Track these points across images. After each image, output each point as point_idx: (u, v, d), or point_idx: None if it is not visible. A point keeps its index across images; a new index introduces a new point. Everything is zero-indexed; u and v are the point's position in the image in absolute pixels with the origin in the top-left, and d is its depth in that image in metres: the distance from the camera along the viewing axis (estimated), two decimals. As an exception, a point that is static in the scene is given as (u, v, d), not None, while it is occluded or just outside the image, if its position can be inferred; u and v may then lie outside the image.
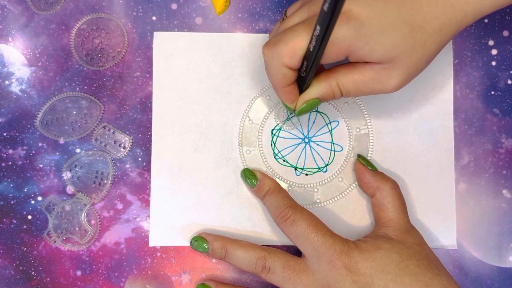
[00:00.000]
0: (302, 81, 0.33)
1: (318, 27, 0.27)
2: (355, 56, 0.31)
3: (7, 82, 0.40)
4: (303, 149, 0.40)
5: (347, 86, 0.33)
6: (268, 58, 0.32)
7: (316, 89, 0.33)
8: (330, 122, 0.40)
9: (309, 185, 0.39)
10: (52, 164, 0.39)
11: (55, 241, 0.39)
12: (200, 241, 0.37)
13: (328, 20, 0.26)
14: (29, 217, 0.39)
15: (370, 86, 0.32)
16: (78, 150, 0.39)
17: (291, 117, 0.40)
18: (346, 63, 0.33)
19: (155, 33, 0.40)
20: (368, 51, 0.30)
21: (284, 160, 0.40)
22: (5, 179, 0.39)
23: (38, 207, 0.39)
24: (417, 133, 0.40)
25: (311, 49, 0.29)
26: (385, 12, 0.30)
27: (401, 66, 0.31)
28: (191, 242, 0.37)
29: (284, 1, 0.40)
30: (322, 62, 0.31)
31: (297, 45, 0.30)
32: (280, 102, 0.37)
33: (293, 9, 0.35)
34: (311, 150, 0.40)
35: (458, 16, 0.31)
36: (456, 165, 0.40)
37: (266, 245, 0.36)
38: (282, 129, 0.40)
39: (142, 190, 0.39)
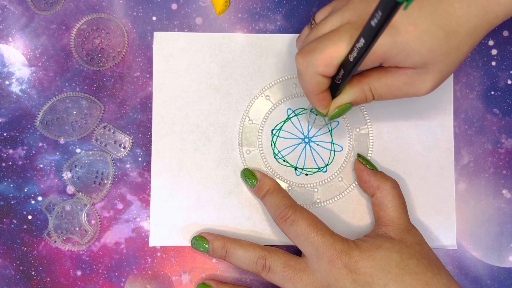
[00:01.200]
0: (335, 87, 0.33)
1: (362, 40, 0.27)
2: (389, 62, 0.31)
3: (7, 82, 0.40)
4: (303, 149, 0.40)
5: (379, 90, 0.33)
6: (302, 67, 0.31)
7: (348, 94, 0.33)
8: (330, 122, 0.40)
9: (309, 185, 0.39)
10: (53, 164, 0.39)
11: (55, 241, 0.39)
12: (200, 240, 0.37)
13: (374, 35, 0.26)
14: (30, 217, 0.39)
15: (403, 90, 0.32)
16: (78, 150, 0.39)
17: (314, 119, 0.39)
18: (378, 67, 0.33)
19: (155, 33, 0.40)
20: (403, 57, 0.30)
21: (284, 160, 0.40)
22: (5, 179, 0.39)
23: (38, 207, 0.39)
24: (417, 133, 0.40)
25: (351, 60, 0.29)
26: (419, 18, 0.30)
27: (435, 71, 0.31)
28: (191, 241, 0.37)
29: (284, 1, 0.40)
30: (358, 69, 0.31)
31: (333, 54, 0.30)
32: (310, 106, 0.37)
33: (323, 15, 0.34)
34: (311, 150, 0.40)
35: (489, 18, 0.30)
36: (456, 165, 0.40)
37: (266, 245, 0.36)
38: (313, 128, 0.40)
39: (142, 190, 0.39)
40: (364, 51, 0.28)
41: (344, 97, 0.33)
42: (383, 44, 0.30)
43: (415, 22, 0.29)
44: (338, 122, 0.40)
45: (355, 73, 0.32)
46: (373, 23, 0.25)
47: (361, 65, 0.31)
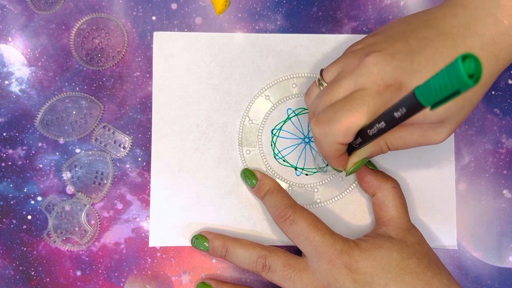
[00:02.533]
0: (352, 148, 0.33)
1: (383, 123, 0.27)
2: (407, 122, 0.30)
3: (7, 82, 0.40)
4: (303, 149, 0.40)
5: (395, 143, 0.33)
6: (321, 137, 0.31)
7: (364, 150, 0.33)
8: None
9: (309, 185, 0.39)
10: (52, 164, 0.39)
11: (55, 241, 0.39)
12: (200, 239, 0.37)
13: (396, 123, 0.26)
14: (29, 217, 0.39)
15: (418, 142, 0.32)
16: (78, 150, 0.39)
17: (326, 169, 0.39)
18: None
19: (155, 33, 0.40)
20: (421, 118, 0.30)
21: (284, 160, 0.40)
22: (5, 179, 0.39)
23: (38, 207, 0.39)
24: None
25: (370, 134, 0.29)
26: None
27: (450, 124, 0.31)
28: (191, 240, 0.37)
29: (284, 1, 0.40)
30: None
31: (351, 124, 0.30)
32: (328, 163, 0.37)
33: (332, 74, 0.34)
34: (311, 150, 0.40)
35: (500, 65, 0.30)
36: (457, 165, 0.40)
37: (266, 245, 0.36)
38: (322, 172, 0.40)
39: (142, 190, 0.39)
40: (384, 132, 0.28)
41: (361, 153, 0.34)
42: None
43: None
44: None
45: None
46: (396, 115, 0.25)
47: None
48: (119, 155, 0.39)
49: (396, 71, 0.30)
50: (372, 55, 0.31)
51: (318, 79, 0.35)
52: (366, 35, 0.37)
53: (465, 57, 0.20)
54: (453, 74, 0.20)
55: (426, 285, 0.32)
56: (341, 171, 0.36)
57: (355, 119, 0.30)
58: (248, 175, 0.38)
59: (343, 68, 0.33)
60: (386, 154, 0.39)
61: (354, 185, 0.39)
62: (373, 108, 0.30)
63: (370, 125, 0.29)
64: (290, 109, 0.40)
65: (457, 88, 0.20)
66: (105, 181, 0.39)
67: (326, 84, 0.34)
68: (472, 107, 0.31)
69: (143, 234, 0.39)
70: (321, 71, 0.35)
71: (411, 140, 0.32)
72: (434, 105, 0.22)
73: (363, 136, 0.30)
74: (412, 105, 0.23)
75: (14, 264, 0.39)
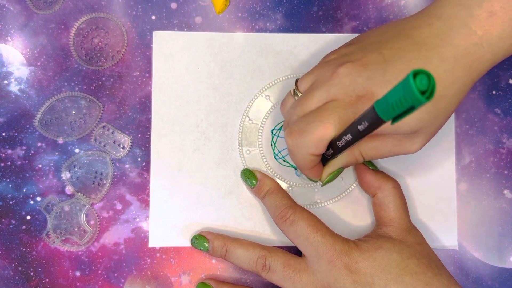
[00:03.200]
0: (326, 159, 0.33)
1: (350, 136, 0.27)
2: (380, 134, 0.31)
3: (6, 82, 0.39)
4: (303, 149, 0.40)
5: (369, 153, 0.33)
6: (293, 148, 0.32)
7: (339, 160, 0.34)
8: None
9: (309, 185, 0.39)
10: (51, 164, 0.39)
11: (54, 242, 0.39)
12: (200, 239, 0.37)
13: (360, 136, 0.26)
14: (28, 217, 0.39)
15: (392, 151, 0.33)
16: (77, 150, 0.39)
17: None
18: None
19: (154, 33, 0.40)
20: (393, 129, 0.30)
21: (284, 160, 0.39)
22: (4, 179, 0.39)
23: (37, 207, 0.39)
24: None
25: (340, 146, 0.29)
26: None
27: (424, 134, 0.31)
28: (191, 240, 0.37)
29: (284, 1, 0.40)
30: None
31: (323, 136, 0.30)
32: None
33: (306, 84, 0.34)
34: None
35: (474, 75, 0.30)
36: (457, 165, 0.40)
37: (266, 245, 0.36)
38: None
39: (142, 190, 0.39)
40: (351, 144, 0.28)
41: (336, 163, 0.34)
42: None
43: None
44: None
45: None
46: (360, 128, 0.25)
47: None
48: (118, 155, 0.39)
49: (368, 82, 0.30)
50: (344, 66, 0.31)
51: (293, 89, 0.35)
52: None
53: (416, 73, 0.19)
54: (406, 90, 0.20)
55: (426, 286, 0.32)
56: (316, 181, 0.36)
57: (327, 130, 0.30)
58: (248, 175, 0.38)
59: (317, 79, 0.33)
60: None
61: (355, 185, 0.39)
62: (345, 119, 0.30)
63: (339, 137, 0.29)
64: (290, 109, 0.40)
65: (411, 103, 0.20)
66: (105, 181, 0.39)
67: (300, 94, 0.34)
68: (447, 117, 0.31)
69: (142, 235, 0.39)
70: (296, 81, 0.35)
71: (385, 150, 0.32)
72: (394, 120, 0.22)
73: (334, 148, 0.31)
74: (372, 119, 0.23)
75: (13, 265, 0.38)
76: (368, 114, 0.24)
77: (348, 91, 0.30)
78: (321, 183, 0.35)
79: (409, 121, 0.29)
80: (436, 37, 0.30)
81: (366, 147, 0.33)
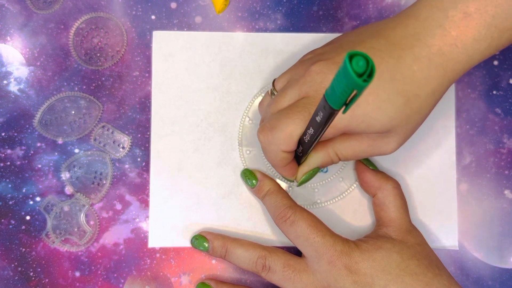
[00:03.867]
0: (299, 157, 0.33)
1: (311, 129, 0.27)
2: (352, 132, 0.31)
3: (5, 82, 0.39)
4: (303, 149, 0.40)
5: (345, 153, 0.33)
6: (265, 144, 0.32)
7: (314, 160, 0.34)
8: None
9: (309, 185, 0.39)
10: (51, 164, 0.39)
11: (53, 242, 0.39)
12: (200, 239, 0.37)
13: (321, 128, 0.26)
14: (28, 217, 0.39)
15: (368, 152, 0.33)
16: (77, 150, 0.39)
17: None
18: None
19: (154, 32, 0.40)
20: (365, 127, 0.30)
21: (284, 160, 0.39)
22: (4, 180, 0.39)
23: (37, 207, 0.39)
24: (418, 133, 0.39)
25: (306, 141, 0.30)
26: (379, 87, 0.29)
27: (398, 134, 0.31)
28: (191, 240, 0.37)
29: (284, 0, 0.40)
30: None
31: (293, 132, 0.30)
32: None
33: (281, 83, 0.34)
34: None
35: (449, 76, 0.30)
36: (458, 165, 0.40)
37: (266, 245, 0.36)
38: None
39: (142, 190, 0.39)
40: (315, 138, 0.28)
41: (311, 162, 0.34)
42: (343, 118, 0.30)
43: (375, 92, 0.29)
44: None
45: None
46: (317, 119, 0.25)
47: (325, 137, 0.31)
48: (118, 155, 0.39)
49: None
50: (316, 64, 0.31)
51: (271, 89, 0.35)
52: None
53: (352, 56, 0.19)
54: (345, 74, 0.19)
55: (426, 286, 0.32)
56: (292, 181, 0.36)
57: (296, 126, 0.30)
58: (248, 175, 0.38)
59: (291, 77, 0.33)
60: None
61: (355, 185, 0.39)
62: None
63: (304, 132, 0.29)
64: (290, 109, 0.40)
65: (352, 88, 0.20)
66: (104, 182, 0.39)
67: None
68: (422, 118, 0.31)
69: (142, 235, 0.39)
70: (274, 81, 0.35)
71: (360, 150, 0.33)
72: (345, 108, 0.22)
73: (302, 144, 0.31)
74: (325, 109, 0.23)
75: (12, 265, 0.38)
76: (321, 104, 0.24)
77: (319, 89, 0.31)
78: (297, 183, 0.35)
79: (380, 119, 0.30)
80: (411, 37, 0.30)
81: (341, 147, 0.33)
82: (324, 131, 0.27)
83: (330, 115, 0.24)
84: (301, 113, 0.30)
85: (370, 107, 0.29)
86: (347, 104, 0.22)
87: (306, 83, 0.31)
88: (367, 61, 0.19)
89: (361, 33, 0.33)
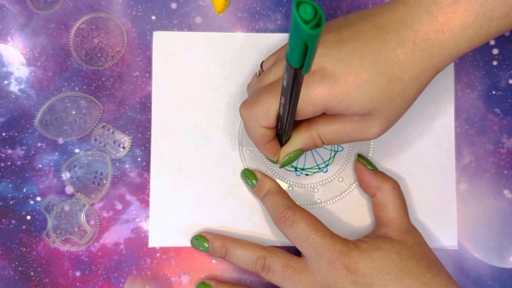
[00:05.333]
0: (281, 136, 0.33)
1: (282, 98, 0.27)
2: (332, 111, 0.31)
3: (6, 82, 0.39)
4: (303, 149, 0.40)
5: (328, 136, 0.33)
6: (246, 119, 0.32)
7: (297, 141, 0.33)
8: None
9: (309, 185, 0.39)
10: (51, 164, 0.39)
11: (54, 242, 0.39)
12: (200, 239, 0.37)
13: (289, 94, 0.26)
14: (28, 217, 0.39)
15: (351, 136, 0.32)
16: (77, 150, 0.39)
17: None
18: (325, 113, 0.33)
19: (154, 33, 0.40)
20: (345, 107, 0.30)
21: (284, 160, 0.39)
22: (4, 179, 0.39)
23: (37, 207, 0.39)
24: (418, 133, 0.40)
25: (281, 114, 0.29)
26: (361, 67, 0.29)
27: (381, 117, 0.31)
28: (191, 241, 0.37)
29: (284, 1, 0.40)
30: (298, 119, 0.31)
31: (271, 107, 0.30)
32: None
33: (269, 63, 0.35)
34: (311, 150, 0.40)
35: (435, 62, 0.30)
36: (457, 165, 0.40)
37: (266, 245, 0.36)
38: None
39: (142, 190, 0.39)
40: (288, 108, 0.28)
41: (293, 144, 0.34)
42: (322, 95, 0.29)
43: (356, 71, 0.29)
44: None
45: (303, 119, 0.32)
46: (284, 83, 0.25)
47: (303, 116, 0.31)
48: (118, 155, 0.39)
49: (321, 58, 0.30)
50: None
51: (259, 70, 0.35)
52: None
53: (299, 3, 0.19)
54: (294, 24, 0.19)
55: (425, 287, 0.32)
56: (275, 163, 0.35)
57: (274, 100, 0.30)
58: (248, 175, 0.38)
59: (278, 58, 0.33)
60: (386, 154, 0.39)
61: (354, 185, 0.39)
62: None
63: (279, 106, 0.29)
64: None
65: (302, 38, 0.19)
66: (105, 181, 0.39)
67: None
68: (405, 103, 0.31)
69: (142, 235, 0.39)
70: (262, 62, 0.36)
71: (344, 134, 0.32)
72: (304, 66, 0.22)
73: (280, 119, 0.30)
74: (287, 70, 0.23)
75: (13, 265, 0.39)
76: (286, 66, 0.23)
77: None
78: (279, 164, 0.35)
79: (360, 98, 0.29)
80: (398, 22, 0.30)
81: (325, 130, 0.33)
82: (294, 102, 0.27)
83: (294, 77, 0.23)
84: (280, 88, 0.30)
85: (350, 86, 0.29)
86: (304, 62, 0.21)
87: None
88: (315, 10, 0.19)
89: (350, 17, 0.33)
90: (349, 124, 0.32)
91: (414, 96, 0.31)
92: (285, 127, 0.31)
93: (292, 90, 0.25)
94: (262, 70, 0.35)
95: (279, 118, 0.31)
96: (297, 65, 0.22)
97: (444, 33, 0.30)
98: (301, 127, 0.33)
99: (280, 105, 0.29)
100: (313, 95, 0.30)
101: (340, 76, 0.29)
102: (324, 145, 0.34)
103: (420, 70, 0.30)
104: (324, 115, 0.32)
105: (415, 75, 0.30)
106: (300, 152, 0.34)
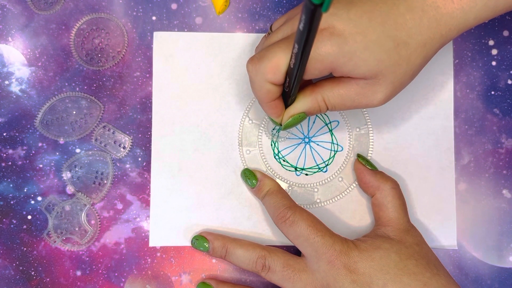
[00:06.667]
0: (287, 96, 0.33)
1: (296, 46, 0.27)
2: (339, 72, 0.31)
3: (7, 82, 0.40)
4: (303, 149, 0.40)
5: (332, 101, 0.33)
6: (252, 74, 0.32)
7: (301, 104, 0.33)
8: (330, 122, 0.40)
9: (309, 185, 0.39)
10: (52, 164, 0.39)
11: (55, 241, 0.39)
12: (200, 240, 0.37)
13: (305, 39, 0.25)
14: (29, 217, 0.39)
15: (356, 101, 0.32)
16: (78, 150, 0.39)
17: (277, 131, 0.39)
18: (331, 77, 0.33)
19: (155, 33, 0.40)
20: (351, 67, 0.30)
21: (284, 160, 0.40)
22: (5, 179, 0.39)
23: (38, 207, 0.39)
24: (417, 133, 0.40)
25: (292, 66, 0.29)
26: (369, 28, 0.29)
27: (386, 82, 0.31)
28: (192, 241, 0.37)
29: (284, 1, 0.40)
30: (306, 78, 0.31)
31: (280, 61, 0.30)
32: (267, 116, 0.37)
33: (278, 24, 0.35)
34: (311, 150, 0.40)
35: (442, 31, 0.31)
36: (456, 165, 0.40)
37: (266, 245, 0.36)
38: (273, 141, 0.40)
39: (142, 190, 0.39)
40: (300, 57, 0.27)
41: (298, 106, 0.33)
42: (330, 53, 0.29)
43: (364, 32, 0.29)
44: (338, 122, 0.40)
45: (309, 83, 0.32)
46: (300, 27, 0.25)
47: (310, 75, 0.31)
48: (119, 155, 0.39)
49: (331, 17, 0.30)
50: None
51: (268, 32, 0.36)
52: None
53: None
54: None
55: (425, 286, 0.32)
56: (279, 124, 0.35)
57: (283, 55, 0.30)
58: (248, 175, 0.38)
59: (287, 18, 0.34)
60: (386, 154, 0.39)
61: (354, 185, 0.39)
62: None
63: (291, 57, 0.29)
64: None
65: None
66: (105, 181, 0.39)
67: None
68: (410, 69, 0.31)
69: (143, 234, 0.39)
70: (271, 25, 0.36)
71: (348, 98, 0.32)
72: (324, 6, 0.21)
73: (289, 74, 0.30)
74: (306, 8, 0.23)
75: (14, 264, 0.39)
76: (303, 5, 0.23)
77: None
78: (282, 126, 0.35)
79: (367, 59, 0.30)
80: None
81: (330, 94, 0.32)
82: (307, 50, 0.26)
83: (311, 17, 0.23)
84: (290, 43, 0.30)
85: (358, 45, 0.29)
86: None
87: (298, 19, 0.31)
88: None
89: None
90: (354, 89, 0.32)
91: (419, 64, 0.31)
92: (293, 83, 0.31)
93: (308, 34, 0.25)
94: (271, 30, 0.35)
95: (288, 73, 0.30)
96: (318, 0, 0.22)
97: (453, 2, 0.30)
98: (306, 90, 0.33)
99: (292, 56, 0.28)
100: (322, 51, 0.29)
101: (348, 36, 0.29)
102: (328, 110, 0.34)
103: (427, 37, 0.30)
104: (329, 79, 0.33)
105: (421, 41, 0.30)
106: (304, 115, 0.34)
